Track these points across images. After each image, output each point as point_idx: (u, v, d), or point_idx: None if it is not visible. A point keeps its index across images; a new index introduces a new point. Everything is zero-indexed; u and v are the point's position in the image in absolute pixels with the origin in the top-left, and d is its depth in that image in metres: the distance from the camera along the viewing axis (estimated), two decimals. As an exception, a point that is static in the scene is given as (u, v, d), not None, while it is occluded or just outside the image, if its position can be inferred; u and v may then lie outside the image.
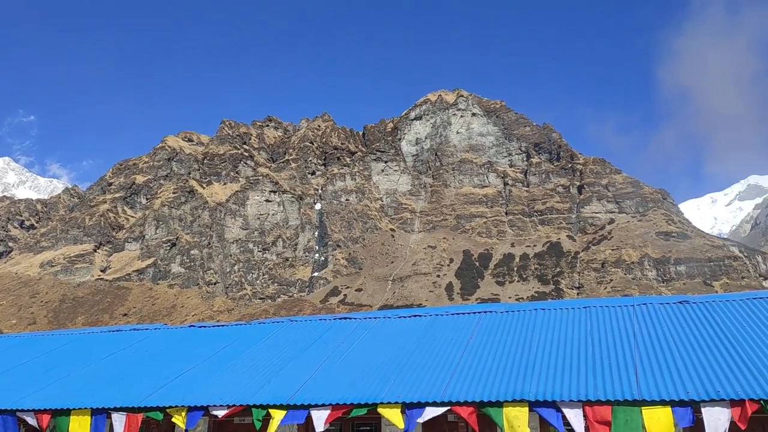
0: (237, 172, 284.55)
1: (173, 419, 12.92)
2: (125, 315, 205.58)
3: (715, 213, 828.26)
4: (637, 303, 15.29)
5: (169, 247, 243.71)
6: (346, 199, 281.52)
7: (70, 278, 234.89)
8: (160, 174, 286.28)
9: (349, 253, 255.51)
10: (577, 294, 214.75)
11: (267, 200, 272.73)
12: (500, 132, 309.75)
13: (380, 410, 11.63)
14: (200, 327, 19.00)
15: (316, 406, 11.91)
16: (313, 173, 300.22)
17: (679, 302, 15.00)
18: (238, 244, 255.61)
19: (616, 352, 12.45)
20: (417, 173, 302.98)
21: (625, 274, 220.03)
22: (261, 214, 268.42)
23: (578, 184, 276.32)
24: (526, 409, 10.89)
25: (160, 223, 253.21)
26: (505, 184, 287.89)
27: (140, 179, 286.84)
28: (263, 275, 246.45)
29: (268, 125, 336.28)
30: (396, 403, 11.56)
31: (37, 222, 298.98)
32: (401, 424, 11.42)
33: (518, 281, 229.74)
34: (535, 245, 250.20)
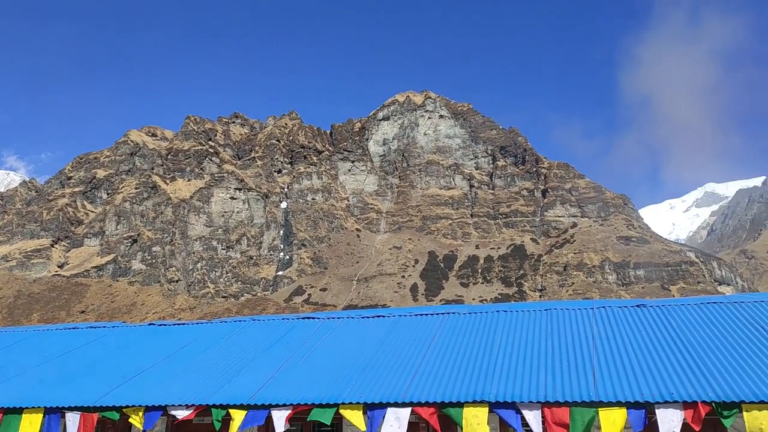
0: (202, 169, 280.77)
1: (130, 419, 12.67)
2: (83, 312, 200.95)
3: (673, 219, 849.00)
4: (596, 306, 15.56)
5: (130, 244, 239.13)
6: (312, 198, 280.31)
7: (25, 274, 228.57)
8: (122, 169, 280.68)
9: (314, 253, 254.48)
10: (540, 296, 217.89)
11: (232, 198, 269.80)
12: (467, 134, 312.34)
13: (342, 411, 11.60)
14: (160, 325, 18.67)
15: (276, 406, 11.82)
16: (280, 171, 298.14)
17: (637, 306, 15.31)
18: (201, 241, 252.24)
19: (575, 354, 12.65)
20: (384, 174, 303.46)
21: (586, 278, 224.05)
22: (225, 212, 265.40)
23: (542, 187, 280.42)
24: (486, 409, 10.99)
25: (121, 218, 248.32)
26: (471, 186, 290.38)
27: (101, 173, 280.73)
28: (227, 273, 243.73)
29: (234, 122, 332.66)
30: (357, 403, 11.54)
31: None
32: (363, 426, 11.41)
33: (482, 283, 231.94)
34: (499, 247, 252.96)
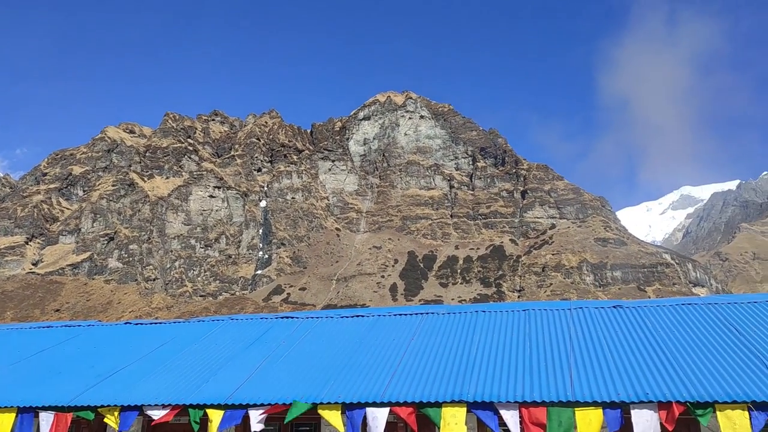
0: (180, 167, 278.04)
1: (105, 419, 12.51)
2: (57, 311, 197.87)
3: (649, 221, 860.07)
4: (573, 307, 15.69)
5: (106, 242, 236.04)
6: (292, 198, 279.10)
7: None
8: (99, 166, 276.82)
9: (294, 252, 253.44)
10: (518, 297, 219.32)
11: (211, 196, 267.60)
12: (447, 135, 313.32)
13: (320, 411, 11.56)
14: (136, 324, 18.45)
15: (254, 406, 11.75)
16: (259, 170, 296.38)
17: (614, 306, 15.48)
18: (179, 239, 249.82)
19: (552, 354, 12.75)
20: (364, 173, 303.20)
21: (564, 279, 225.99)
22: (204, 210, 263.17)
23: (522, 189, 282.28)
24: (464, 409, 11.03)
25: (98, 216, 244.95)
26: (451, 187, 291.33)
27: (77, 170, 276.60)
28: (205, 272, 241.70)
29: (213, 119, 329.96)
30: (336, 403, 11.51)
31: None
32: (341, 426, 11.38)
33: (461, 283, 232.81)
34: (478, 248, 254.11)
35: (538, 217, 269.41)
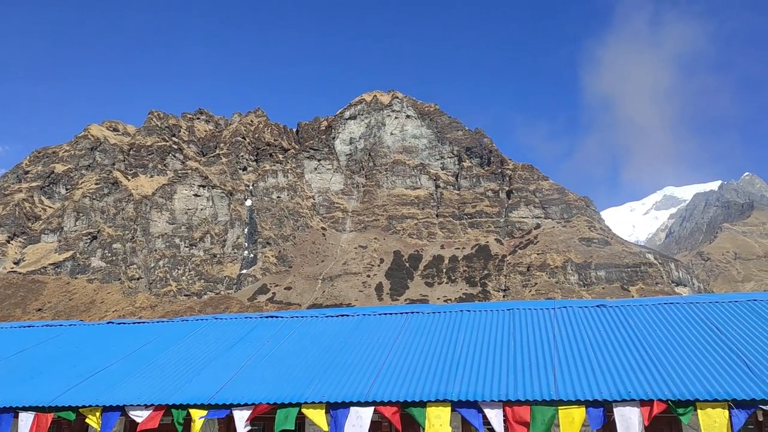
0: (165, 165, 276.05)
1: (87, 420, 12.40)
2: (39, 310, 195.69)
3: (633, 221, 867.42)
4: (557, 306, 15.78)
5: (89, 240, 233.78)
6: (278, 197, 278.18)
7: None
8: (82, 164, 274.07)
9: (279, 251, 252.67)
10: (503, 296, 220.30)
11: (195, 195, 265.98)
12: (433, 135, 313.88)
13: (304, 410, 11.53)
14: (119, 324, 18.28)
15: (238, 405, 11.69)
16: (245, 169, 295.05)
17: (597, 306, 15.59)
18: (163, 238, 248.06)
19: (536, 353, 12.81)
20: (350, 173, 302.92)
21: (549, 278, 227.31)
22: (189, 209, 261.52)
23: (507, 189, 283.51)
24: (449, 409, 11.06)
25: (81, 214, 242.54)
26: (437, 186, 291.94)
27: (60, 168, 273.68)
28: (189, 271, 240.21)
29: (198, 118, 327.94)
30: (320, 402, 11.49)
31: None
32: (325, 426, 11.36)
33: (447, 283, 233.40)
34: (464, 248, 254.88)
35: (523, 217, 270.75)
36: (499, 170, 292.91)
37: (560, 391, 10.94)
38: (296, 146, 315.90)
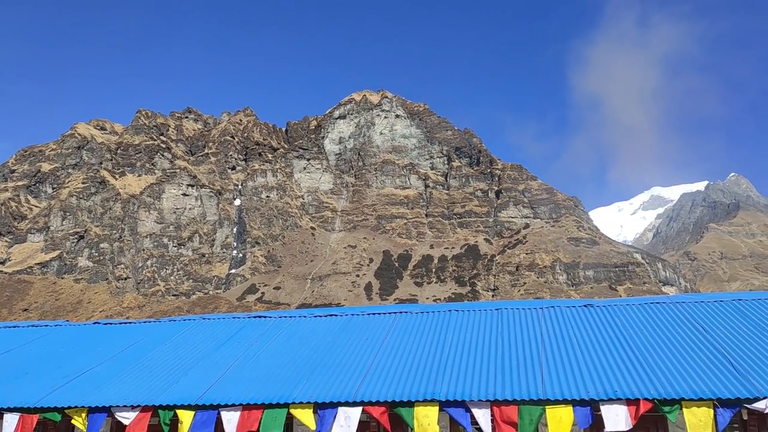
0: (153, 164, 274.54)
1: (72, 421, 12.30)
2: (25, 310, 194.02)
3: (621, 221, 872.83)
4: (545, 306, 15.84)
5: (76, 240, 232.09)
6: (267, 196, 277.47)
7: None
8: (69, 163, 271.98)
9: (268, 251, 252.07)
10: (492, 296, 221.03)
11: (184, 194, 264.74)
12: (423, 135, 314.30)
13: (292, 410, 11.51)
14: (105, 324, 18.15)
15: (225, 406, 11.64)
16: (233, 168, 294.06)
17: (584, 305, 15.66)
18: (151, 238, 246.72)
19: (524, 353, 12.87)
20: (339, 172, 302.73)
21: (537, 278, 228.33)
22: (177, 209, 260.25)
23: (496, 189, 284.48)
24: (436, 408, 11.08)
25: (67, 214, 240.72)
26: (426, 186, 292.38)
27: (46, 167, 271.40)
28: (178, 271, 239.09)
29: (187, 117, 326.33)
30: (308, 403, 11.48)
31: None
32: (313, 425, 11.35)
33: (436, 282, 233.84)
34: (453, 247, 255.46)
35: (512, 217, 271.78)
36: (489, 170, 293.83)
37: (548, 391, 11.00)
38: (285, 146, 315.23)
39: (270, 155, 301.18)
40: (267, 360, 13.72)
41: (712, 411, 10.23)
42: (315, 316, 16.87)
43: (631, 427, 10.46)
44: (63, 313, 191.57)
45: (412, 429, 11.08)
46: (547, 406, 10.74)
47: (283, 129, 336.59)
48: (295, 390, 11.90)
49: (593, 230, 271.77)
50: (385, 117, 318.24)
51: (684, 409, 10.36)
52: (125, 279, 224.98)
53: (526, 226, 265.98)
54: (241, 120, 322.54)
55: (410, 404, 11.16)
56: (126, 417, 11.97)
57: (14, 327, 18.77)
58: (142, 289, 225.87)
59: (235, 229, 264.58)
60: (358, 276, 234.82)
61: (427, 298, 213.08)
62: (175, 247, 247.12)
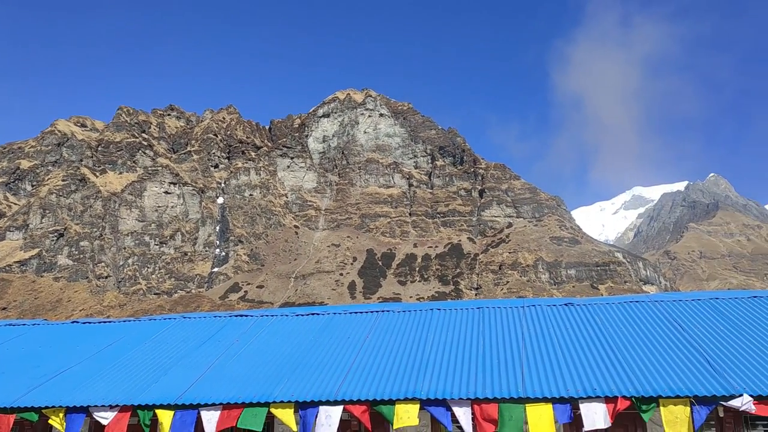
0: (134, 162, 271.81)
1: (50, 421, 12.16)
2: (4, 309, 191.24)
3: (602, 220, 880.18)
4: (526, 304, 15.93)
5: (56, 238, 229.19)
6: (250, 194, 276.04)
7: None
8: (49, 160, 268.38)
9: (251, 249, 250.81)
10: (476, 295, 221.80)
11: (166, 192, 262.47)
12: (407, 134, 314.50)
13: (272, 410, 11.47)
14: (84, 323, 17.95)
15: (205, 405, 11.57)
16: (216, 166, 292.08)
17: (565, 304, 15.78)
18: (133, 236, 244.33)
19: (505, 351, 12.93)
20: (323, 171, 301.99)
21: (520, 277, 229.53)
22: (159, 206, 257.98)
23: (480, 188, 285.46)
24: (417, 406, 11.11)
25: (47, 211, 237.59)
26: (410, 185, 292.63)
27: (26, 164, 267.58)
28: (159, 269, 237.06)
29: (169, 114, 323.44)
30: (289, 402, 11.44)
31: None
32: (294, 425, 11.32)
33: (420, 281, 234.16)
34: (436, 246, 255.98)
35: (495, 216, 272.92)
36: (472, 169, 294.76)
37: (528, 389, 11.08)
38: (269, 144, 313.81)
39: (253, 153, 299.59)
40: (248, 359, 13.66)
41: (688, 408, 10.36)
42: (297, 315, 16.82)
43: (610, 424, 10.57)
44: (42, 311, 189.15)
45: (393, 427, 11.11)
46: (527, 404, 10.82)
47: (267, 127, 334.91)
48: (276, 389, 11.86)
49: (575, 229, 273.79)
50: (369, 116, 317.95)
51: (661, 407, 10.48)
52: (106, 277, 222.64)
53: (509, 225, 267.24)
54: (224, 118, 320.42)
55: (391, 402, 11.18)
56: (104, 417, 11.85)
57: (-9, 326, 18.50)
58: (123, 287, 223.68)
59: (217, 228, 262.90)
60: (341, 275, 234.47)
61: (411, 297, 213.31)
62: (156, 245, 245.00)
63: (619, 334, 13.35)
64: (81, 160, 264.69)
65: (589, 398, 10.71)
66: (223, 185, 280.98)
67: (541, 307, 15.69)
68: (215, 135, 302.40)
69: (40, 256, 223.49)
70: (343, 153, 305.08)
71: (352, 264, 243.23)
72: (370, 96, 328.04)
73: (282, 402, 11.44)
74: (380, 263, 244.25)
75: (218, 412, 11.54)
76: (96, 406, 11.91)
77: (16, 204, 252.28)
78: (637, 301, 15.49)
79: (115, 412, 11.83)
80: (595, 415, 10.60)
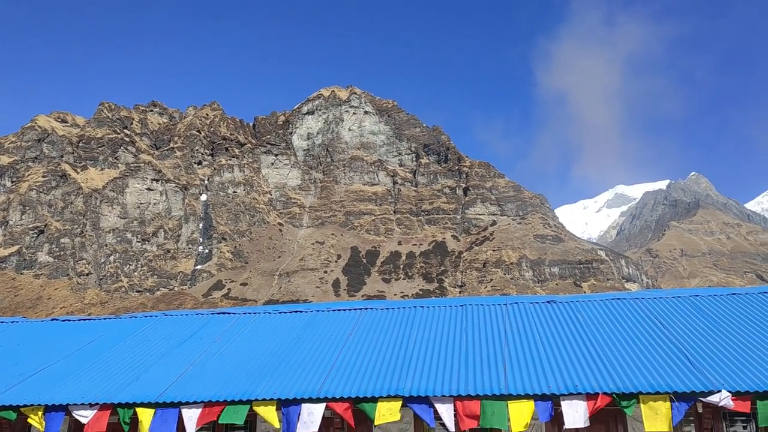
0: (116, 158, 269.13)
1: (29, 420, 12.01)
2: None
3: (586, 218, 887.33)
4: (509, 302, 16.01)
5: (36, 235, 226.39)
6: (234, 191, 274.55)
7: None
8: (29, 155, 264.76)
9: (235, 247, 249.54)
10: (460, 292, 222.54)
11: (148, 189, 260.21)
12: (391, 131, 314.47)
13: (255, 407, 11.42)
14: (64, 320, 17.74)
15: (187, 404, 11.49)
16: (200, 163, 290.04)
17: (548, 302, 15.88)
18: (114, 233, 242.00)
19: (487, 348, 12.99)
20: (307, 168, 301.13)
21: (504, 274, 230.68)
22: (141, 203, 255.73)
23: (464, 186, 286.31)
24: (399, 404, 11.12)
25: (27, 208, 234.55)
26: (395, 183, 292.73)
27: (5, 160, 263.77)
28: (142, 267, 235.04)
29: (152, 110, 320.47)
30: (271, 399, 11.40)
31: None
32: (276, 423, 11.29)
33: (404, 279, 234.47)
34: (421, 244, 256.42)
35: (479, 214, 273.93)
36: (456, 167, 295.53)
37: (510, 386, 11.14)
38: (253, 141, 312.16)
39: (237, 150, 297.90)
40: (230, 357, 13.58)
41: (668, 404, 10.47)
42: (279, 313, 16.76)
43: (588, 424, 10.66)
44: (22, 309, 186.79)
45: (375, 424, 11.12)
46: (509, 401, 10.87)
47: (251, 124, 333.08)
48: (258, 387, 11.82)
49: (559, 227, 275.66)
50: (354, 113, 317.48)
51: (641, 403, 10.59)
52: (87, 275, 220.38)
53: (493, 223, 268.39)
54: (207, 114, 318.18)
55: (374, 400, 11.18)
56: (84, 415, 11.72)
57: (-32, 324, 18.22)
58: (104, 285, 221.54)
59: (201, 225, 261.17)
60: (326, 272, 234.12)
61: (395, 295, 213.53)
62: (139, 242, 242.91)
63: (600, 331, 13.45)
64: (62, 156, 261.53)
65: (570, 395, 10.79)
66: (206, 182, 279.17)
67: (524, 304, 15.77)
68: (198, 131, 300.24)
69: (20, 253, 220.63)
70: (327, 150, 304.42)
71: (336, 261, 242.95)
72: (355, 93, 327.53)
73: (264, 400, 11.39)
74: (365, 261, 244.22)
75: (199, 410, 11.47)
76: (75, 404, 11.78)
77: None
78: (618, 299, 15.62)
79: (95, 411, 11.71)
80: (576, 412, 10.68)
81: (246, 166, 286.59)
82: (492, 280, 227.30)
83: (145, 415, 11.43)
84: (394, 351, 13.20)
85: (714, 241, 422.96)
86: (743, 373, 10.98)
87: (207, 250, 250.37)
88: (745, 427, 11.90)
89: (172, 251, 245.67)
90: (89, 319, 17.73)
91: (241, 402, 11.41)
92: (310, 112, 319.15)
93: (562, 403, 10.79)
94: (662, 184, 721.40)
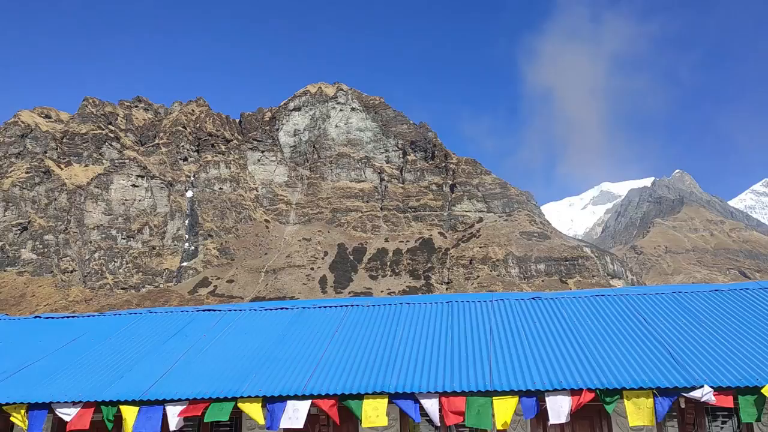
0: (101, 154, 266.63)
1: (11, 418, 11.89)
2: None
3: (571, 215, 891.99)
4: (495, 298, 16.06)
5: (19, 231, 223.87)
6: (220, 188, 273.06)
7: None
8: (12, 152, 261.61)
9: (221, 243, 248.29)
10: (446, 289, 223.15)
11: (133, 185, 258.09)
12: (378, 128, 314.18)
13: (240, 405, 11.38)
14: (47, 318, 17.56)
15: (171, 401, 11.43)
16: (185, 159, 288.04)
17: (533, 298, 15.95)
18: (99, 230, 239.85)
19: (473, 345, 13.03)
20: (294, 165, 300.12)
21: (491, 271, 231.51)
22: (126, 200, 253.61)
23: (451, 183, 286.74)
24: (385, 401, 11.13)
25: (10, 204, 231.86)
26: (382, 179, 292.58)
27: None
28: (127, 264, 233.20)
29: (136, 106, 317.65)
30: (256, 396, 11.36)
31: None
32: (261, 420, 11.25)
33: (391, 276, 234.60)
34: (408, 241, 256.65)
35: (466, 211, 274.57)
36: (443, 164, 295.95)
37: (495, 382, 11.18)
38: (239, 137, 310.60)
39: (223, 146, 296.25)
40: (215, 354, 13.52)
41: (651, 400, 10.57)
42: (265, 309, 16.70)
43: (568, 420, 10.74)
44: (6, 307, 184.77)
45: (361, 421, 11.12)
46: (494, 397, 10.92)
47: (237, 120, 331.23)
48: (243, 384, 11.77)
49: (545, 224, 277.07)
50: (341, 110, 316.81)
51: (625, 399, 10.68)
52: (71, 272, 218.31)
53: (480, 220, 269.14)
54: (193, 110, 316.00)
55: (359, 397, 11.18)
56: (67, 413, 11.62)
57: (-51, 322, 17.99)
58: (89, 282, 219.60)
59: (186, 222, 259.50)
60: (312, 269, 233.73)
61: (382, 291, 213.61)
62: (124, 239, 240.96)
63: (585, 328, 13.54)
64: (45, 152, 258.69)
65: (555, 391, 10.86)
66: (192, 179, 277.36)
67: (510, 301, 15.83)
68: (184, 127, 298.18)
69: (3, 250, 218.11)
70: (314, 147, 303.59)
71: (323, 258, 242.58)
72: (342, 90, 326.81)
73: (249, 397, 11.35)
74: (351, 258, 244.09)
75: (184, 408, 11.41)
76: (59, 402, 11.68)
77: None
78: (602, 295, 15.73)
79: (78, 408, 11.61)
80: (560, 408, 10.76)
81: (232, 162, 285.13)
82: (478, 276, 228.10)
83: (130, 413, 11.35)
84: (379, 348, 13.20)
85: (698, 238, 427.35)
86: (725, 368, 11.10)
87: (193, 247, 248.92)
88: (725, 422, 12.05)
89: (157, 248, 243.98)
90: (73, 317, 17.56)
91: (226, 399, 11.37)
92: (297, 109, 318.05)
93: (547, 398, 10.86)
94: (647, 182, 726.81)
